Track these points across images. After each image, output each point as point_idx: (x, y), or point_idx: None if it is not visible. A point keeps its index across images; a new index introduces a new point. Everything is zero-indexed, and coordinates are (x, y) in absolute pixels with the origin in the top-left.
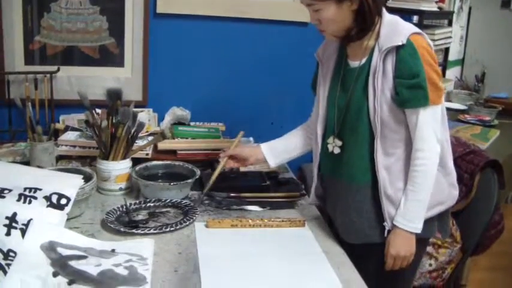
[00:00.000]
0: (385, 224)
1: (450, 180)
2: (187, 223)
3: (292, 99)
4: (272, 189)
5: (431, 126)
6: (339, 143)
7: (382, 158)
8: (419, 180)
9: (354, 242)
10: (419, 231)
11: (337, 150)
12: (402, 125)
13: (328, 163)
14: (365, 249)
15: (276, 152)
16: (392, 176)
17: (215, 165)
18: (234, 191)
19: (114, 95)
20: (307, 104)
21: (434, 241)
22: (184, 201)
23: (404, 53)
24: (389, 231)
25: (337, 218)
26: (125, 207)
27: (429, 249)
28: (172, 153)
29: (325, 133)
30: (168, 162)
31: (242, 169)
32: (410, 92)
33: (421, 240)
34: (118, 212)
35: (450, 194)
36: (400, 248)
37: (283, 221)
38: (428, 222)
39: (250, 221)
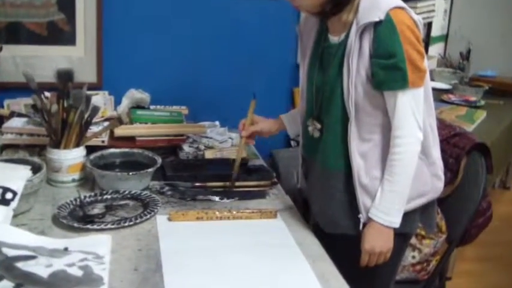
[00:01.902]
0: (360, 216)
1: (434, 171)
2: (148, 216)
3: (263, 80)
4: (241, 178)
5: (412, 111)
6: (318, 125)
7: (356, 143)
8: (397, 170)
9: (329, 231)
10: (396, 225)
11: (316, 134)
12: (379, 109)
13: (309, 146)
14: (342, 240)
15: (295, 124)
16: (369, 163)
17: (179, 151)
18: (199, 180)
19: (65, 77)
20: (280, 85)
21: (418, 232)
22: (144, 193)
23: (381, 30)
24: (365, 224)
25: (313, 204)
26: (78, 200)
27: (412, 240)
28: (130, 140)
29: (305, 114)
30: (126, 149)
31: (208, 156)
32: (387, 73)
33: (402, 236)
34: (71, 206)
35: (433, 185)
36: (375, 243)
37: (253, 212)
38: (408, 215)
39: (217, 212)
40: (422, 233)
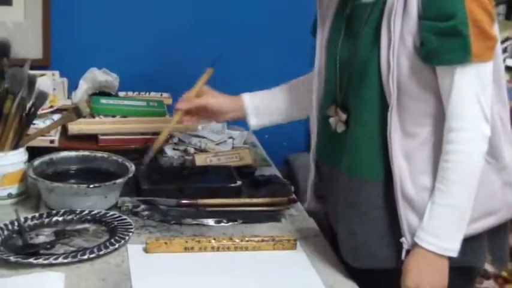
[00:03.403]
0: (402, 240)
1: (507, 178)
2: (116, 246)
3: (267, 56)
4: (246, 193)
5: (475, 95)
6: (343, 116)
7: (399, 139)
8: (453, 176)
9: (356, 265)
10: (453, 253)
11: (341, 128)
12: (430, 92)
13: (328, 146)
14: (379, 278)
15: (264, 110)
16: (415, 167)
17: (159, 156)
18: (188, 196)
19: None
20: (295, 65)
21: (496, 272)
22: (110, 213)
23: None
24: (407, 252)
25: (338, 229)
26: (16, 223)
27: (489, 284)
28: (91, 139)
29: (323, 100)
30: (86, 153)
31: (199, 162)
32: (442, 40)
33: (463, 271)
34: (6, 232)
35: (506, 199)
36: (422, 279)
37: (263, 240)
38: (472, 241)
39: (213, 241)
40: (505, 274)
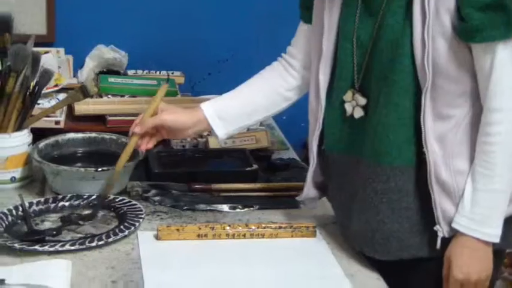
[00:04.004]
0: (437, 227)
1: None
2: (126, 233)
3: (288, 33)
4: (263, 178)
5: None
6: (363, 100)
7: (431, 122)
8: (498, 160)
9: (383, 257)
10: (497, 239)
11: (359, 113)
12: (466, 71)
13: (340, 133)
14: (405, 268)
15: (228, 115)
16: (449, 151)
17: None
18: (201, 180)
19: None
20: None
21: None
22: (120, 199)
23: None
24: (445, 241)
25: (353, 221)
26: (21, 209)
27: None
28: (98, 120)
29: (331, 84)
30: (93, 134)
31: (213, 145)
32: (485, 16)
33: (494, 254)
34: (10, 218)
35: None
36: (471, 268)
37: (281, 227)
38: (504, 225)
39: (228, 228)
40: None
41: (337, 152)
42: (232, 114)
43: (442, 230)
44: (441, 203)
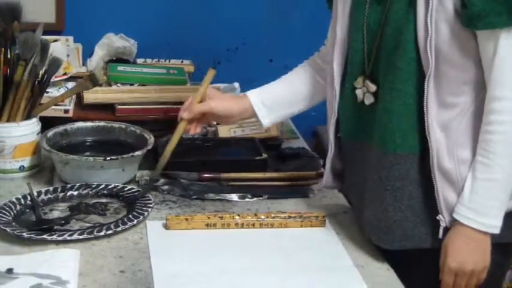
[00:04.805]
0: (439, 217)
1: None
2: (135, 222)
3: (303, 22)
4: (272, 167)
5: None
6: (373, 87)
7: (435, 110)
8: (497, 149)
9: (388, 246)
10: (496, 230)
11: (369, 100)
12: (470, 58)
13: (352, 120)
14: (412, 259)
15: (273, 104)
16: (453, 139)
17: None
18: (210, 169)
19: (8, 14)
20: (321, 27)
21: None
22: (128, 188)
23: None
24: (446, 230)
25: (364, 208)
26: (29, 198)
27: None
28: (108, 109)
29: (345, 72)
30: (102, 123)
31: (223, 134)
32: (487, 1)
33: (500, 247)
34: (19, 207)
35: None
36: (465, 257)
37: (290, 217)
38: (510, 218)
39: (237, 217)
40: None
41: (350, 138)
42: (276, 102)
43: (444, 220)
44: (444, 192)
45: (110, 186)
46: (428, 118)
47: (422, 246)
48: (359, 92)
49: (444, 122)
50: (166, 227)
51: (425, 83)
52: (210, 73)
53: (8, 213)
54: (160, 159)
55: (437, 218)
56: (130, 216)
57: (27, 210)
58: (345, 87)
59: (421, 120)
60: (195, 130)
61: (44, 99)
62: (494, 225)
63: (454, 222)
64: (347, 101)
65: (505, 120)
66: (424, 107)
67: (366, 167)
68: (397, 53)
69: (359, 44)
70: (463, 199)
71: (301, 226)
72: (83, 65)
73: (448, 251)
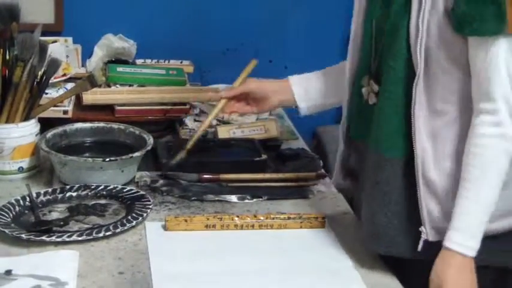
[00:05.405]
0: (421, 228)
1: None
2: (134, 223)
3: (303, 21)
4: (272, 168)
5: (508, 74)
6: (376, 87)
7: (424, 116)
8: (476, 164)
9: (374, 250)
10: (472, 253)
11: (372, 99)
12: (461, 65)
13: (359, 119)
14: (411, 261)
15: (313, 92)
16: (440, 149)
17: (179, 128)
18: (210, 170)
19: (6, 14)
20: (331, 26)
21: None
22: (127, 189)
23: None
24: (427, 244)
25: (362, 211)
26: (28, 199)
27: None
28: (107, 109)
29: (357, 70)
30: (101, 124)
31: (222, 135)
32: (472, 6)
33: (502, 270)
34: (17, 208)
35: None
36: (444, 279)
37: (290, 218)
38: (501, 239)
39: (236, 219)
40: None
41: (356, 138)
42: (317, 92)
43: (426, 232)
44: (427, 204)
45: (109, 187)
46: (416, 124)
47: (405, 256)
48: (364, 91)
49: (432, 130)
50: (165, 228)
51: (414, 85)
52: (252, 63)
53: (6, 215)
54: (194, 135)
55: (420, 229)
56: (129, 217)
57: (26, 212)
58: (354, 85)
59: (410, 125)
60: (231, 109)
61: (43, 100)
62: (470, 246)
63: (438, 238)
64: (355, 100)
65: (489, 134)
66: (411, 111)
67: (366, 167)
68: (391, 51)
69: (368, 41)
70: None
71: (301, 227)
72: (82, 65)
73: (435, 274)
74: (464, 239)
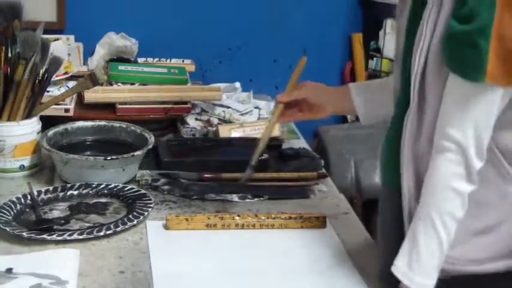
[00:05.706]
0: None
1: None
2: (135, 222)
3: (300, 22)
4: (273, 167)
5: (473, 118)
6: None
7: (411, 146)
8: (423, 197)
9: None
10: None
11: None
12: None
13: None
14: None
15: (373, 101)
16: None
17: (181, 127)
18: (211, 170)
19: (8, 12)
20: (334, 29)
21: None
22: (128, 188)
23: None
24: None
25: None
26: (29, 197)
27: None
28: (108, 108)
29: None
30: (103, 123)
31: (223, 133)
32: (454, 46)
33: None
34: (19, 206)
35: None
36: None
37: (291, 218)
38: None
39: (237, 218)
40: None
41: None
42: (377, 101)
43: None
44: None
45: (110, 186)
46: (403, 153)
47: (389, 280)
48: None
49: (419, 172)
50: (166, 227)
51: (406, 114)
52: (302, 61)
53: (8, 213)
54: (260, 142)
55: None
56: (130, 216)
57: (27, 210)
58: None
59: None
60: (292, 117)
61: (45, 98)
62: (422, 284)
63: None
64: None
65: (434, 166)
66: (402, 140)
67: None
68: (399, 80)
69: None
70: (403, 250)
71: (302, 227)
72: (84, 64)
73: None
74: (411, 273)
